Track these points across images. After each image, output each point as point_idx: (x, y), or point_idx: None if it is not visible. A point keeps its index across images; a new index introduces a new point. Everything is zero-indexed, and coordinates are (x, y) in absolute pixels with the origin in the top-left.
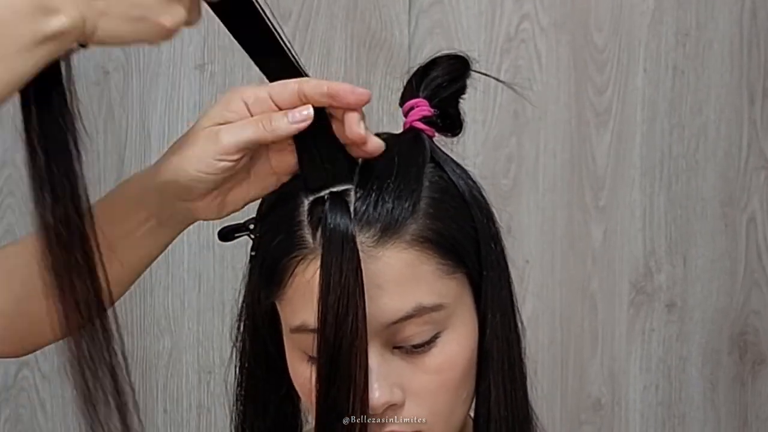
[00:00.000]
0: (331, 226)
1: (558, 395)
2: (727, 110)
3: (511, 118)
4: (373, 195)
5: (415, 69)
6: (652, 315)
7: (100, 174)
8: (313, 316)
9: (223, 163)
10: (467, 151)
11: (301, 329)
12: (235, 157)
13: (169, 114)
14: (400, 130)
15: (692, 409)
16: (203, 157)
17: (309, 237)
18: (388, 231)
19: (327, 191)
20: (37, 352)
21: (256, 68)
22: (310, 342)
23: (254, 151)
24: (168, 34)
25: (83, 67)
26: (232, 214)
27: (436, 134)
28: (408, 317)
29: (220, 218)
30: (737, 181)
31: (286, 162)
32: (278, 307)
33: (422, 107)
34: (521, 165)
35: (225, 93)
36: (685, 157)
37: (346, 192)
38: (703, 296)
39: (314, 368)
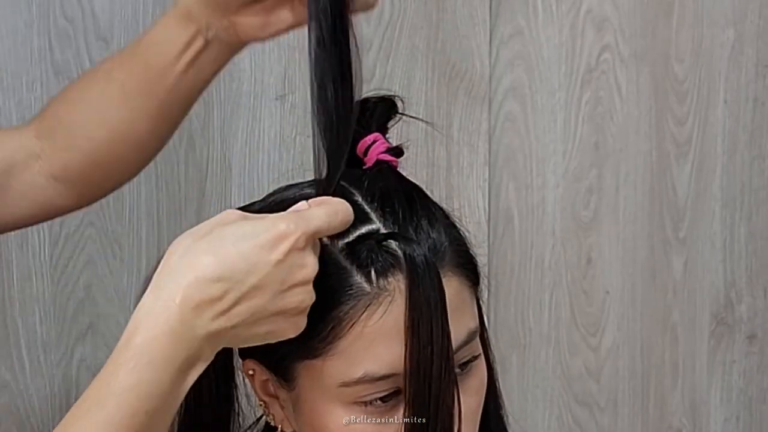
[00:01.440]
0: (417, 259)
1: (639, 426)
2: None
3: (591, 149)
4: (413, 225)
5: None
6: (732, 346)
7: (180, 205)
8: (377, 363)
9: None
10: (547, 182)
11: (362, 381)
12: None
13: (250, 145)
14: (482, 162)
15: None
16: None
17: (363, 282)
18: (436, 259)
19: (354, 235)
20: None
21: None
22: (368, 389)
23: None
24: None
25: None
26: None
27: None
28: (463, 345)
29: (263, 39)
30: None
31: None
32: (310, 366)
33: (380, 141)
34: (601, 197)
35: None
36: (765, 189)
37: (374, 230)
38: None
39: (372, 411)
